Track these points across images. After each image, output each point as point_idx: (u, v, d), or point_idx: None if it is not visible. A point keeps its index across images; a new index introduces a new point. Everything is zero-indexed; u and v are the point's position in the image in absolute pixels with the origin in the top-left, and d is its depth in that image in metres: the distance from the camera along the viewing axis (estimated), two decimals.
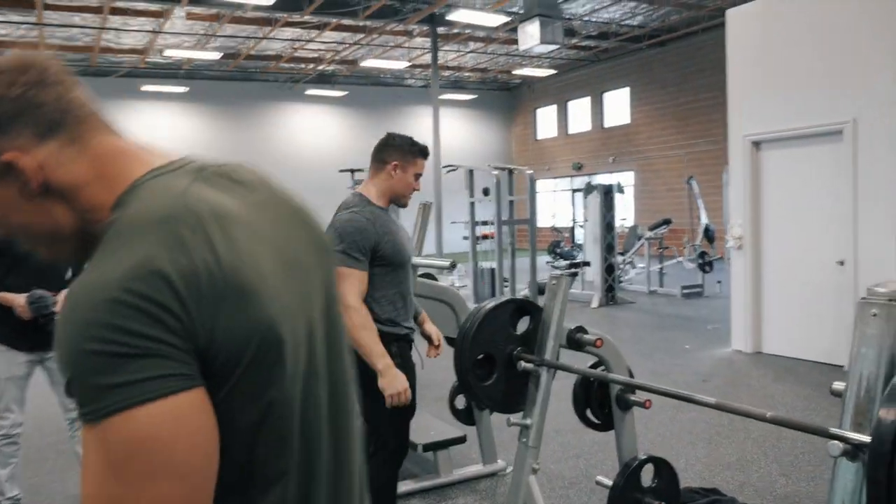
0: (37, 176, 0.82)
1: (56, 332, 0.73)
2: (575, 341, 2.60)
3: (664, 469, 2.78)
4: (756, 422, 4.51)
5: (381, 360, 2.38)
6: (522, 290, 10.30)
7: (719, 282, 11.04)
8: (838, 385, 1.73)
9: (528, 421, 2.53)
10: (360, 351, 2.35)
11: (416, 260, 3.74)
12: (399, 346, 2.53)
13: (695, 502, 3.22)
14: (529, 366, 2.53)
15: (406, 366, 2.52)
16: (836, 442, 1.58)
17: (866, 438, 1.56)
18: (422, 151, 2.61)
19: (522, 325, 2.72)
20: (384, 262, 2.51)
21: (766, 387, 5.41)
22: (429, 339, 2.84)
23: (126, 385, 0.68)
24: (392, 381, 2.37)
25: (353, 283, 2.40)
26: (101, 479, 0.70)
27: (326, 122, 20.57)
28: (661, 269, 11.57)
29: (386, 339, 2.44)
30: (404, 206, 2.67)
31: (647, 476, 2.75)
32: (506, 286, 9.68)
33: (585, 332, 2.63)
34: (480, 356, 2.60)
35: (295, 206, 0.95)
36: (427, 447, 3.68)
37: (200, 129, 18.84)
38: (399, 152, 2.56)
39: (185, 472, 0.71)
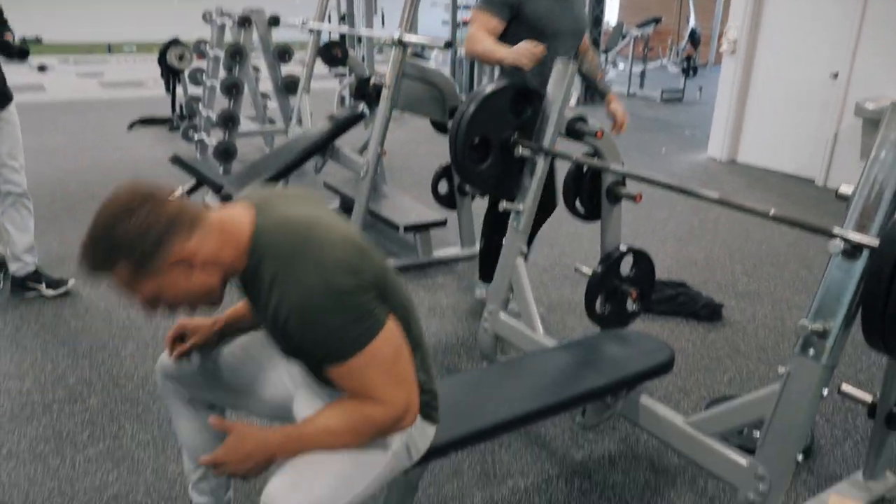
0: (196, 260, 1.26)
1: (307, 327, 1.25)
2: (575, 131, 2.54)
3: (643, 261, 2.87)
4: (724, 225, 4.67)
5: (499, 51, 2.65)
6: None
7: (700, 88, 10.88)
8: (846, 188, 1.73)
9: (520, 206, 2.53)
10: (484, 59, 2.76)
11: (407, 38, 3.53)
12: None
13: (663, 293, 3.39)
14: (527, 152, 2.48)
15: None
16: (837, 241, 1.61)
17: (868, 239, 1.59)
18: None
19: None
20: (527, 23, 2.73)
21: (737, 192, 5.53)
22: (613, 117, 2.92)
23: (371, 325, 1.28)
24: (516, 53, 2.56)
25: (477, 26, 2.74)
26: (384, 369, 1.31)
27: None
28: (644, 70, 11.28)
29: None
30: None
31: (625, 267, 2.85)
32: (485, 75, 9.39)
33: (586, 121, 2.56)
34: (476, 139, 2.53)
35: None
36: (408, 228, 3.74)
37: None
38: None
39: (401, 352, 1.34)
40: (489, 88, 2.52)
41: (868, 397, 2.02)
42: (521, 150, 2.47)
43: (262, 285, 1.27)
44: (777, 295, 3.62)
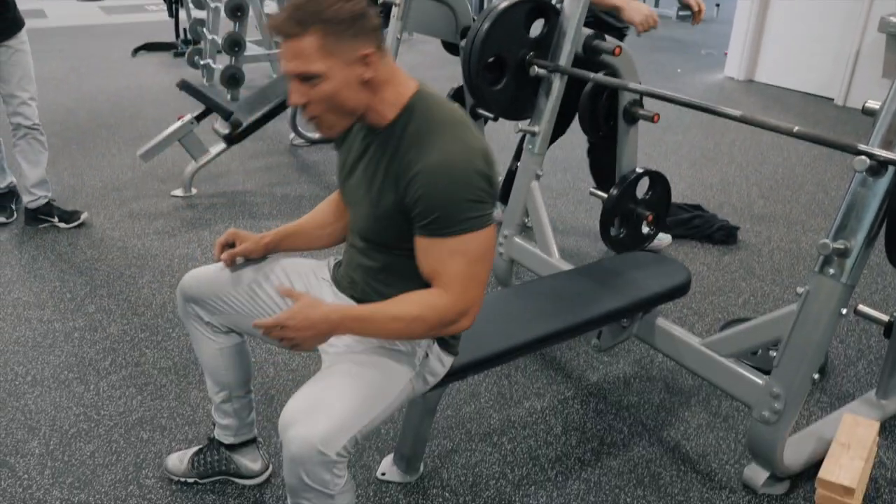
0: (373, 69, 1.31)
1: (435, 185, 1.28)
2: (592, 48, 2.46)
3: (659, 183, 2.83)
4: (740, 148, 4.58)
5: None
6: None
7: (718, 5, 10.51)
8: (872, 103, 1.67)
9: (536, 128, 2.48)
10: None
11: None
12: None
13: (678, 216, 3.35)
14: (542, 71, 2.41)
15: None
16: (863, 157, 1.57)
17: (890, 155, 1.55)
18: None
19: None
20: None
21: (754, 113, 5.38)
22: (688, 6, 2.82)
23: (482, 216, 1.31)
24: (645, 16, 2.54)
25: None
26: (469, 262, 1.32)
27: None
28: None
29: None
30: None
31: (640, 190, 2.81)
32: None
33: (604, 38, 2.48)
34: (491, 59, 2.46)
35: None
36: None
37: None
38: None
39: (488, 256, 1.36)
40: (503, 4, 2.43)
41: (884, 317, 2.02)
42: (536, 70, 2.40)
43: (401, 142, 1.33)
44: (793, 217, 3.58)
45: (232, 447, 1.82)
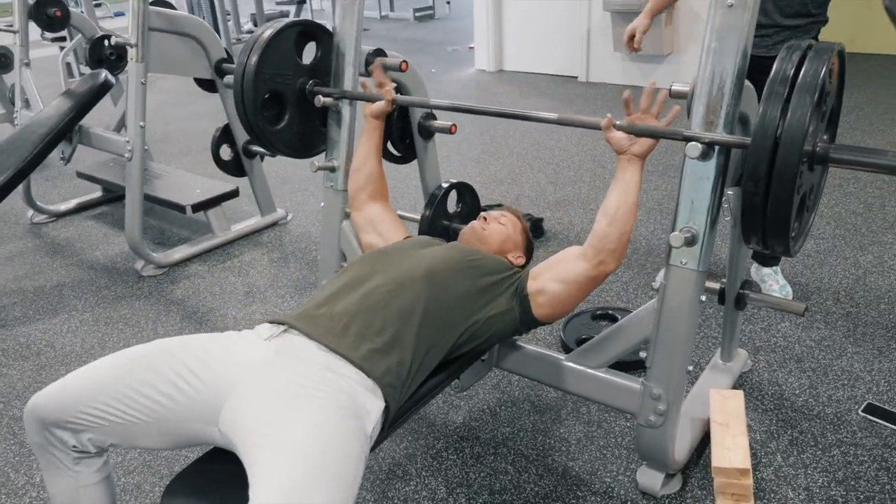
0: None
1: None
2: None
3: (467, 193, 2.72)
4: (514, 137, 4.68)
5: None
6: (246, 24, 9.30)
7: (448, 2, 10.91)
8: (680, 86, 1.65)
9: (335, 163, 2.23)
10: None
11: None
12: None
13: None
14: (329, 100, 2.16)
15: None
16: (695, 143, 1.54)
17: (720, 136, 1.54)
18: None
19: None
20: None
21: (514, 102, 5.58)
22: None
23: None
24: None
25: None
26: None
27: None
28: None
29: None
30: None
31: (451, 202, 2.68)
32: (228, 19, 8.62)
33: (385, 54, 2.29)
34: (266, 95, 2.17)
35: None
36: (196, 207, 3.26)
37: None
38: None
39: None
40: (267, 32, 2.15)
41: (716, 285, 2.06)
42: (322, 100, 2.15)
43: None
44: (584, 196, 3.70)
45: None
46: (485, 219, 1.93)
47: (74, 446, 1.32)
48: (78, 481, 1.35)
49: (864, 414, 2.04)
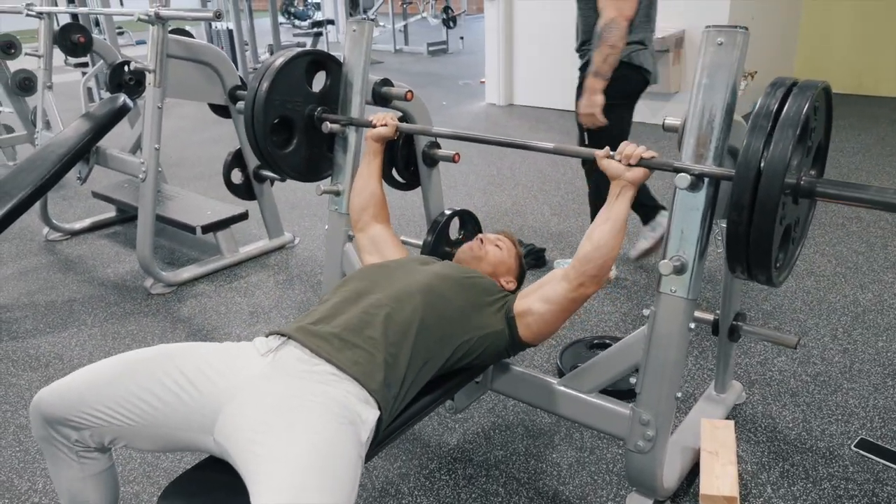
0: None
1: None
2: (381, 95, 2.33)
3: (469, 222, 2.78)
4: (521, 170, 4.75)
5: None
6: (263, 54, 9.50)
7: (462, 38, 11.11)
8: (672, 120, 1.71)
9: (340, 187, 2.30)
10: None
11: (164, 11, 3.07)
12: None
13: None
14: (336, 126, 2.24)
15: None
16: (684, 175, 1.59)
17: (710, 168, 1.59)
18: None
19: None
20: None
21: (523, 135, 5.67)
22: None
23: None
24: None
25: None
26: None
27: None
28: (405, 26, 11.27)
29: None
30: None
31: (453, 230, 2.74)
32: (246, 49, 8.82)
33: (392, 84, 2.37)
34: (276, 120, 2.25)
35: None
36: (206, 228, 3.34)
37: None
38: None
39: None
40: (279, 60, 2.23)
41: (710, 316, 2.09)
42: (329, 126, 2.23)
43: None
44: (586, 228, 3.72)
45: None
46: (481, 240, 1.98)
47: (77, 441, 1.38)
48: (83, 472, 1.41)
49: (856, 449, 2.05)
